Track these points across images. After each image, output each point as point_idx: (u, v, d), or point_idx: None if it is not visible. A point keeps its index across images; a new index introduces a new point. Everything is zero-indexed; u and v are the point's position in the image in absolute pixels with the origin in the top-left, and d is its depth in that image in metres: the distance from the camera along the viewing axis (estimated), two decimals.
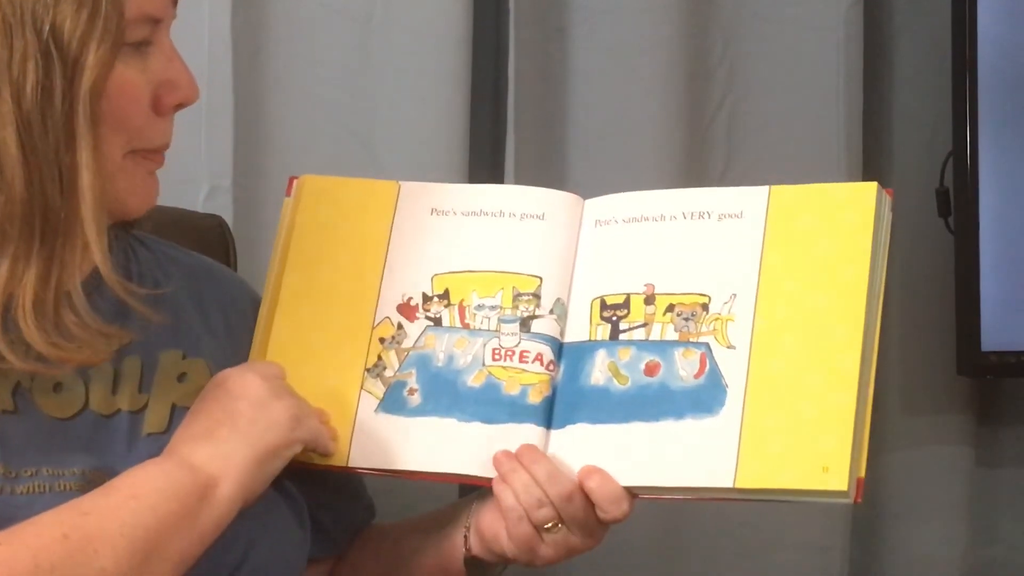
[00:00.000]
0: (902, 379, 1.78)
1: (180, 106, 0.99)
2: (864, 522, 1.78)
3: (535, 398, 1.04)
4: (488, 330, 1.06)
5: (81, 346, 0.90)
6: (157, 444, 0.96)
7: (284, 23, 1.52)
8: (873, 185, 1.02)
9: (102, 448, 0.95)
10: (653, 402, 1.01)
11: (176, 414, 0.99)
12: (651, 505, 1.58)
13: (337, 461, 1.04)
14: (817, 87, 1.70)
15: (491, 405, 1.03)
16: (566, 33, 1.64)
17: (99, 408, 0.96)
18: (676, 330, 1.03)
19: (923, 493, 1.78)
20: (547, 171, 1.60)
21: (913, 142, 1.78)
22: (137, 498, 0.88)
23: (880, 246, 1.01)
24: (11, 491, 0.89)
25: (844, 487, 0.94)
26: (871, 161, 1.75)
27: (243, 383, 0.97)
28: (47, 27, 0.86)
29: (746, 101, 1.70)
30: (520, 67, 1.59)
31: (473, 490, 1.08)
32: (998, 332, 1.67)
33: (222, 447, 0.93)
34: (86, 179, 0.88)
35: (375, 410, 1.05)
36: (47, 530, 0.84)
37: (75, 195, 0.88)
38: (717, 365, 1.00)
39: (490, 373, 1.05)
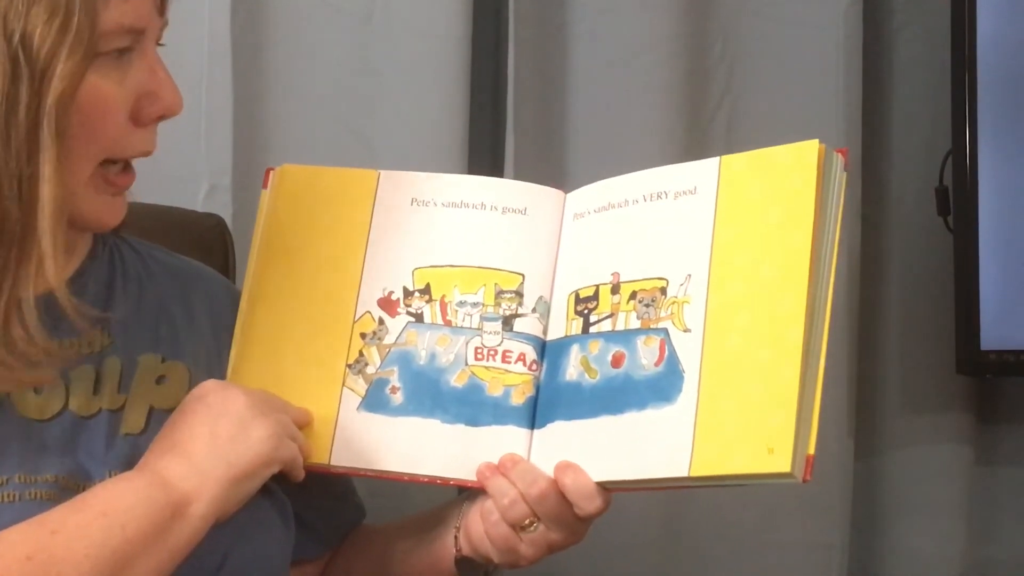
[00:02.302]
0: (901, 378, 1.78)
1: (162, 117, 0.97)
2: (863, 520, 1.78)
3: (518, 399, 1.03)
4: (470, 328, 1.05)
5: (28, 365, 0.89)
6: (134, 445, 0.96)
7: (284, 22, 1.52)
8: (814, 143, 0.96)
9: (79, 450, 0.94)
10: (619, 394, 0.99)
11: (153, 416, 0.98)
12: (650, 503, 1.61)
13: (318, 459, 1.03)
14: (816, 86, 1.69)
15: (474, 406, 1.03)
16: (566, 31, 1.64)
17: (79, 410, 0.96)
18: (638, 317, 1.00)
19: (922, 492, 1.77)
20: (546, 169, 1.60)
21: (912, 141, 1.77)
22: (107, 515, 0.86)
23: (829, 209, 0.95)
24: None
25: (788, 468, 0.89)
26: (870, 159, 1.75)
27: (224, 398, 0.95)
28: (17, 35, 0.85)
29: (745, 100, 1.69)
30: (520, 66, 1.60)
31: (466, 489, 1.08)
32: (997, 331, 1.66)
33: (198, 465, 0.91)
34: (46, 192, 0.87)
35: (357, 408, 1.04)
36: (11, 550, 0.83)
37: (34, 207, 0.87)
38: (675, 351, 0.97)
39: (473, 373, 1.04)
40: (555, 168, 1.63)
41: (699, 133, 1.67)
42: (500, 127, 1.62)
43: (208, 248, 1.32)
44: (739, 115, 1.69)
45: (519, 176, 1.56)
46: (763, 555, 1.70)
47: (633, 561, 1.64)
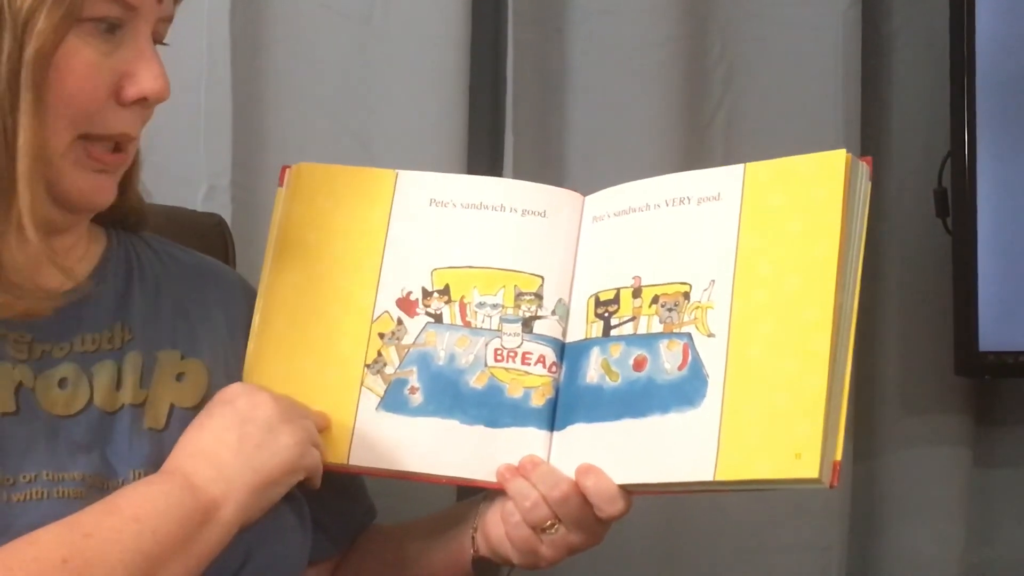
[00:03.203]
0: (900, 379, 1.78)
1: (144, 101, 0.96)
2: (862, 522, 1.78)
3: (538, 401, 1.03)
4: (490, 329, 1.05)
5: (21, 296, 0.91)
6: (158, 442, 0.96)
7: (283, 23, 1.51)
8: (841, 153, 0.97)
9: (105, 446, 0.94)
10: (641, 397, 0.99)
11: (174, 414, 0.98)
12: (649, 506, 1.61)
13: (337, 459, 1.03)
14: (815, 87, 1.70)
15: (494, 408, 1.03)
16: (564, 34, 1.64)
17: (104, 404, 0.96)
18: (661, 322, 1.01)
19: (921, 493, 1.78)
20: (545, 172, 1.60)
21: (911, 142, 1.77)
22: (139, 520, 0.87)
23: (855, 218, 0.97)
24: (7, 498, 0.88)
25: (815, 474, 0.90)
26: None
27: (253, 404, 0.96)
28: None
29: (744, 101, 1.69)
30: (518, 67, 1.59)
31: (472, 491, 1.08)
32: (996, 332, 1.67)
33: (226, 470, 0.92)
34: (23, 140, 0.88)
35: (376, 408, 1.04)
36: (47, 552, 0.83)
37: (14, 157, 0.88)
38: (699, 355, 0.98)
39: (492, 374, 1.04)
40: (554, 170, 1.62)
41: (698, 134, 1.67)
42: (499, 128, 1.62)
43: (209, 248, 1.31)
44: (738, 116, 1.69)
45: (518, 178, 1.56)
46: (762, 556, 1.70)
47: (632, 561, 1.63)
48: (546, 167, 1.61)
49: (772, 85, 1.70)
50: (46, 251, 0.91)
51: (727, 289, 0.98)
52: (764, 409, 0.94)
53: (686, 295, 1.00)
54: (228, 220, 1.41)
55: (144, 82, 0.95)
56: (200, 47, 1.46)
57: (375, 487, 1.18)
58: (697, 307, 0.99)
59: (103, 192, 0.98)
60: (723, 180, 1.02)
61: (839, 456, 0.92)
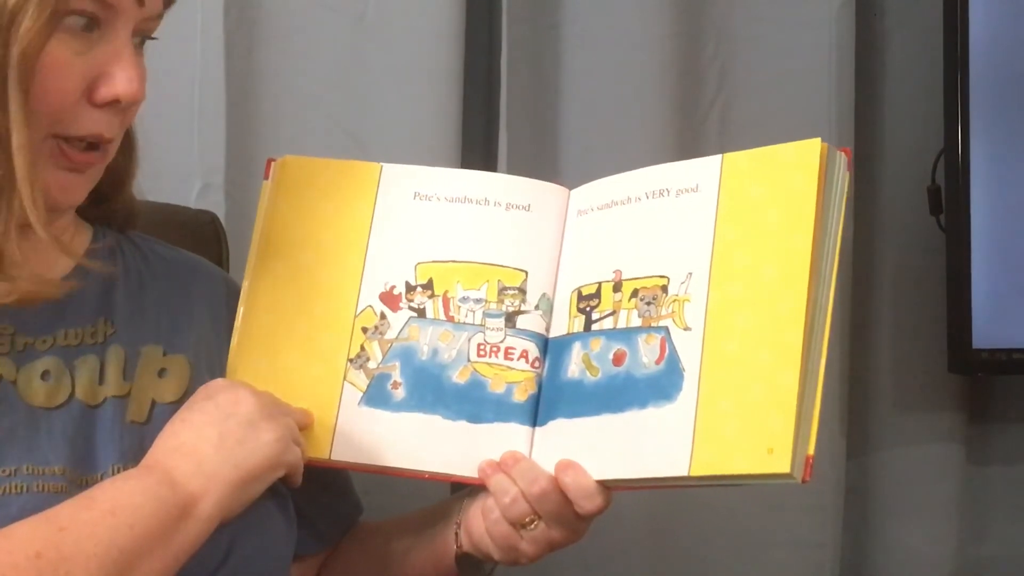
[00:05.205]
0: (893, 376, 1.78)
1: (117, 103, 0.94)
2: (856, 519, 1.78)
3: (520, 396, 1.03)
4: (473, 324, 1.05)
5: (12, 288, 0.91)
6: (138, 435, 0.96)
7: (277, 21, 1.52)
8: (816, 142, 0.96)
9: (87, 440, 0.94)
10: (620, 392, 0.99)
11: (156, 409, 0.98)
12: (643, 503, 1.61)
13: (319, 454, 1.03)
14: (809, 85, 1.69)
15: (477, 403, 1.03)
16: (559, 31, 1.64)
17: (86, 398, 0.96)
18: (639, 316, 1.00)
19: (914, 490, 1.78)
20: (539, 169, 1.60)
21: (904, 140, 1.77)
22: (115, 514, 0.86)
23: (831, 209, 0.96)
24: None
25: (787, 469, 0.90)
26: (862, 158, 1.75)
27: (235, 399, 0.96)
28: None
29: (738, 99, 1.69)
30: (513, 65, 1.59)
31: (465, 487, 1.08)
32: (989, 330, 1.67)
33: (205, 465, 0.91)
34: (17, 141, 0.87)
35: (358, 403, 1.04)
36: (20, 546, 0.82)
37: (10, 156, 0.88)
38: (675, 349, 0.97)
39: (475, 370, 1.04)
40: (548, 169, 1.62)
41: (692, 132, 1.67)
42: (493, 127, 1.62)
43: (202, 245, 1.32)
44: (732, 115, 1.69)
45: (512, 174, 1.56)
46: (755, 554, 1.70)
47: (625, 560, 1.64)
48: (540, 165, 1.61)
49: (766, 83, 1.70)
50: (52, 240, 0.91)
51: (703, 282, 0.97)
52: (738, 403, 0.93)
53: (664, 288, 1.00)
54: (222, 218, 1.41)
55: (117, 84, 0.93)
56: (194, 45, 1.47)
57: (364, 484, 1.19)
58: (675, 300, 0.99)
59: (71, 191, 0.97)
60: (701, 171, 1.01)
61: (812, 451, 0.91)
